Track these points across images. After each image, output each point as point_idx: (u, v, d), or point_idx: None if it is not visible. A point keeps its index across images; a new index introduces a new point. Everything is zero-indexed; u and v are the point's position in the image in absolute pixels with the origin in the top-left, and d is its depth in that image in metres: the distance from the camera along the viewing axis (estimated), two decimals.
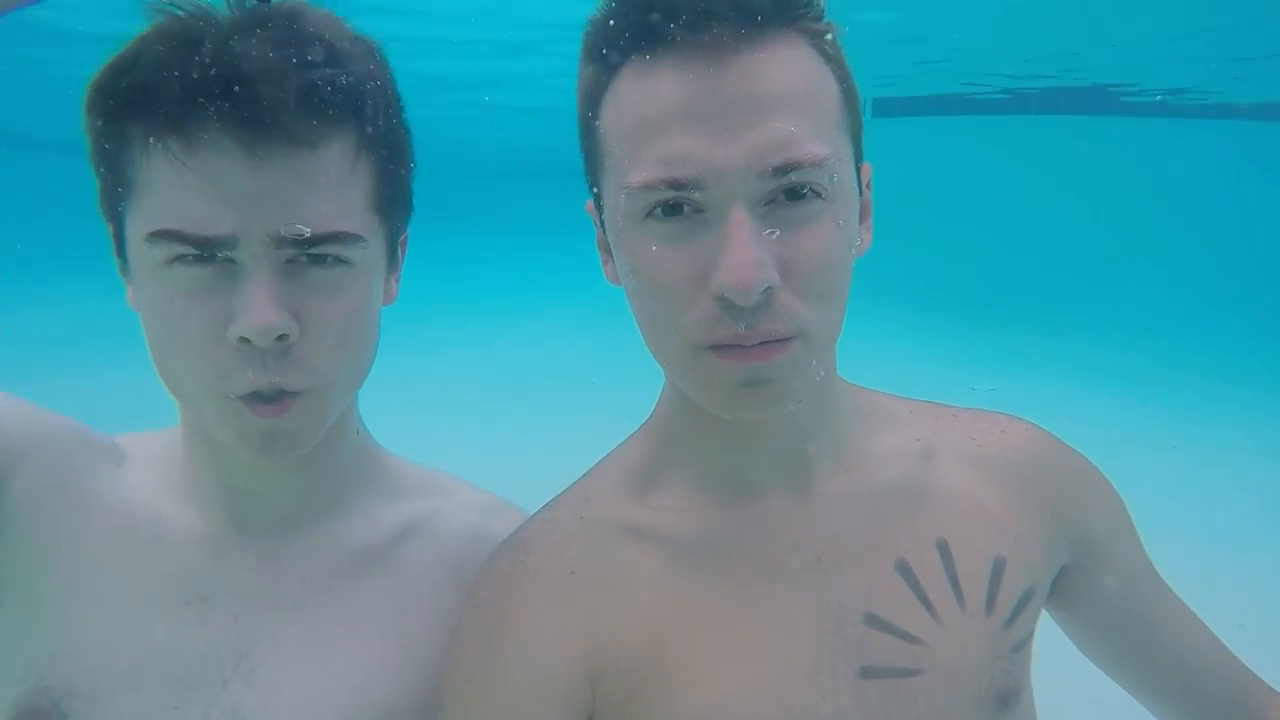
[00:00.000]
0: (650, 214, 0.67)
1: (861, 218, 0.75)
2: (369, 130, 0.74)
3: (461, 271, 13.62)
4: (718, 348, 0.67)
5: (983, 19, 9.24)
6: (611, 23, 0.69)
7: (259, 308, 0.67)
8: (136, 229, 0.71)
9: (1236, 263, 13.00)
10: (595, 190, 0.76)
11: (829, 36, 0.69)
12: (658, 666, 0.74)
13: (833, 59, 0.69)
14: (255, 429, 0.72)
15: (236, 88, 0.65)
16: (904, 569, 0.77)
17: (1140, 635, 0.90)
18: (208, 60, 0.65)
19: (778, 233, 0.65)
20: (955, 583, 0.77)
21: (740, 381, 0.67)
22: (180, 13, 0.68)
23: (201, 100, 0.66)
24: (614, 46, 0.69)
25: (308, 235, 0.69)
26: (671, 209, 0.66)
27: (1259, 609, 3.50)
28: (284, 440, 0.73)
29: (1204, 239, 13.42)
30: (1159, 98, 12.65)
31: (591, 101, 0.72)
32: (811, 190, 0.65)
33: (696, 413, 0.75)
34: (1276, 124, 12.96)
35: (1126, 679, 0.93)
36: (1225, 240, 13.46)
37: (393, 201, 0.80)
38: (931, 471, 0.83)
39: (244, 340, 0.68)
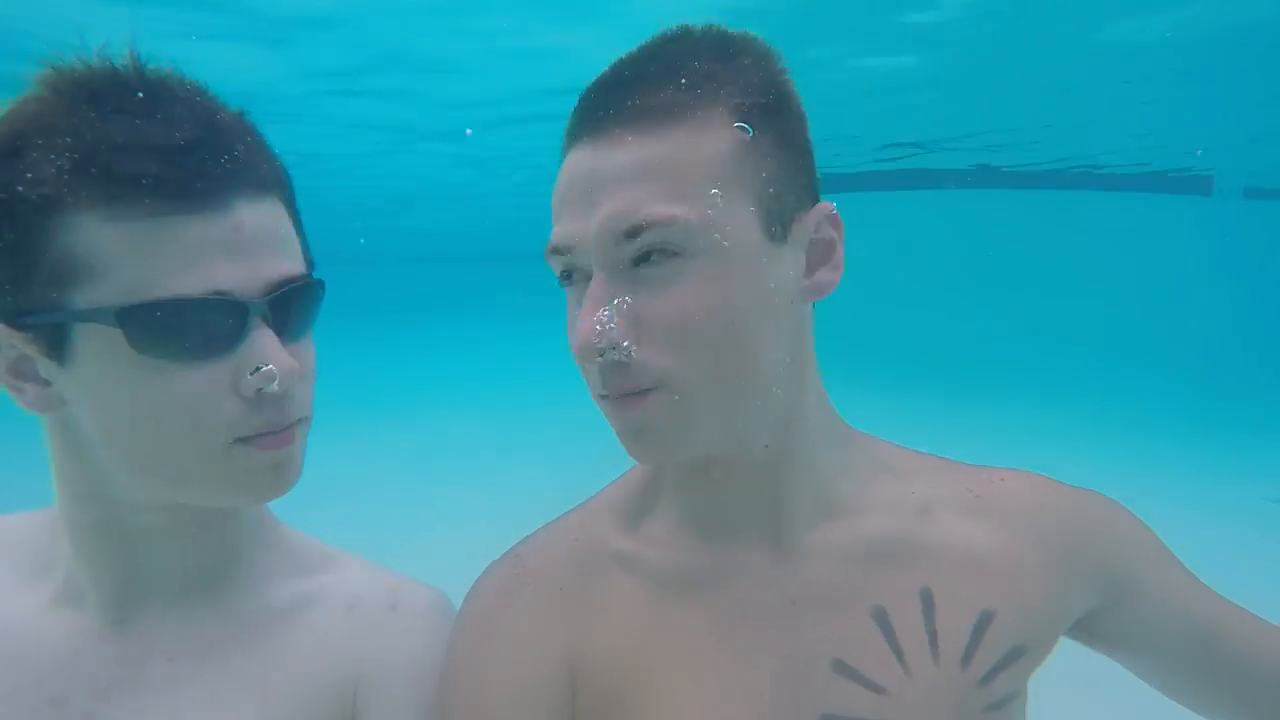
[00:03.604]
0: (560, 280, 0.76)
1: (824, 258, 0.76)
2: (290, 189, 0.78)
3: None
4: (604, 398, 0.73)
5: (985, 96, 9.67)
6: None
7: (277, 356, 0.69)
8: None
9: (1146, 325, 13.80)
10: None
11: (738, 101, 0.70)
12: (631, 689, 0.77)
13: (749, 115, 0.71)
14: (265, 463, 0.72)
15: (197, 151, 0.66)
16: (880, 616, 0.77)
17: (1207, 654, 0.85)
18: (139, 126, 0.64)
19: (629, 299, 0.70)
20: (932, 633, 0.76)
21: (623, 429, 0.74)
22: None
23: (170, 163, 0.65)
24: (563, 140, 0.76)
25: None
26: (567, 275, 0.75)
27: None
28: (293, 468, 0.75)
29: (1113, 304, 14.23)
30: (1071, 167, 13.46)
31: None
32: (665, 250, 0.68)
33: None
34: (1177, 196, 14.09)
35: (1208, 704, 0.88)
36: (1136, 305, 14.31)
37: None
38: (926, 524, 0.81)
39: (260, 390, 0.69)
